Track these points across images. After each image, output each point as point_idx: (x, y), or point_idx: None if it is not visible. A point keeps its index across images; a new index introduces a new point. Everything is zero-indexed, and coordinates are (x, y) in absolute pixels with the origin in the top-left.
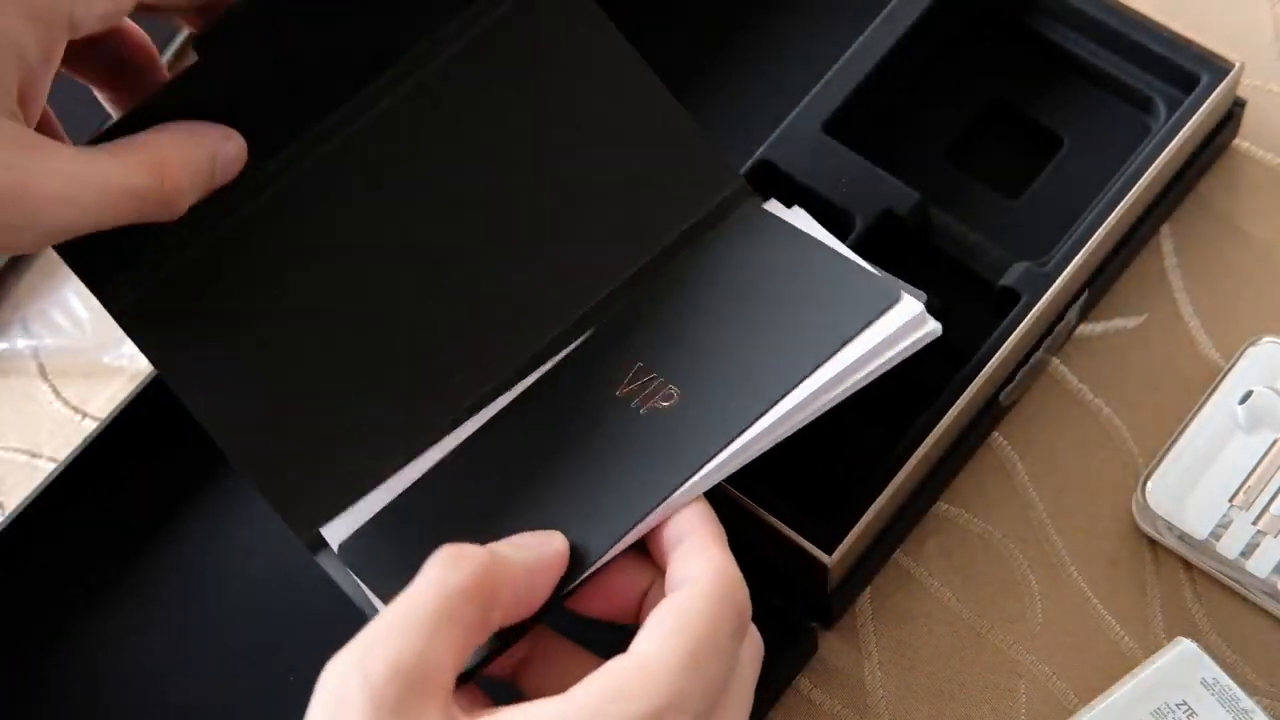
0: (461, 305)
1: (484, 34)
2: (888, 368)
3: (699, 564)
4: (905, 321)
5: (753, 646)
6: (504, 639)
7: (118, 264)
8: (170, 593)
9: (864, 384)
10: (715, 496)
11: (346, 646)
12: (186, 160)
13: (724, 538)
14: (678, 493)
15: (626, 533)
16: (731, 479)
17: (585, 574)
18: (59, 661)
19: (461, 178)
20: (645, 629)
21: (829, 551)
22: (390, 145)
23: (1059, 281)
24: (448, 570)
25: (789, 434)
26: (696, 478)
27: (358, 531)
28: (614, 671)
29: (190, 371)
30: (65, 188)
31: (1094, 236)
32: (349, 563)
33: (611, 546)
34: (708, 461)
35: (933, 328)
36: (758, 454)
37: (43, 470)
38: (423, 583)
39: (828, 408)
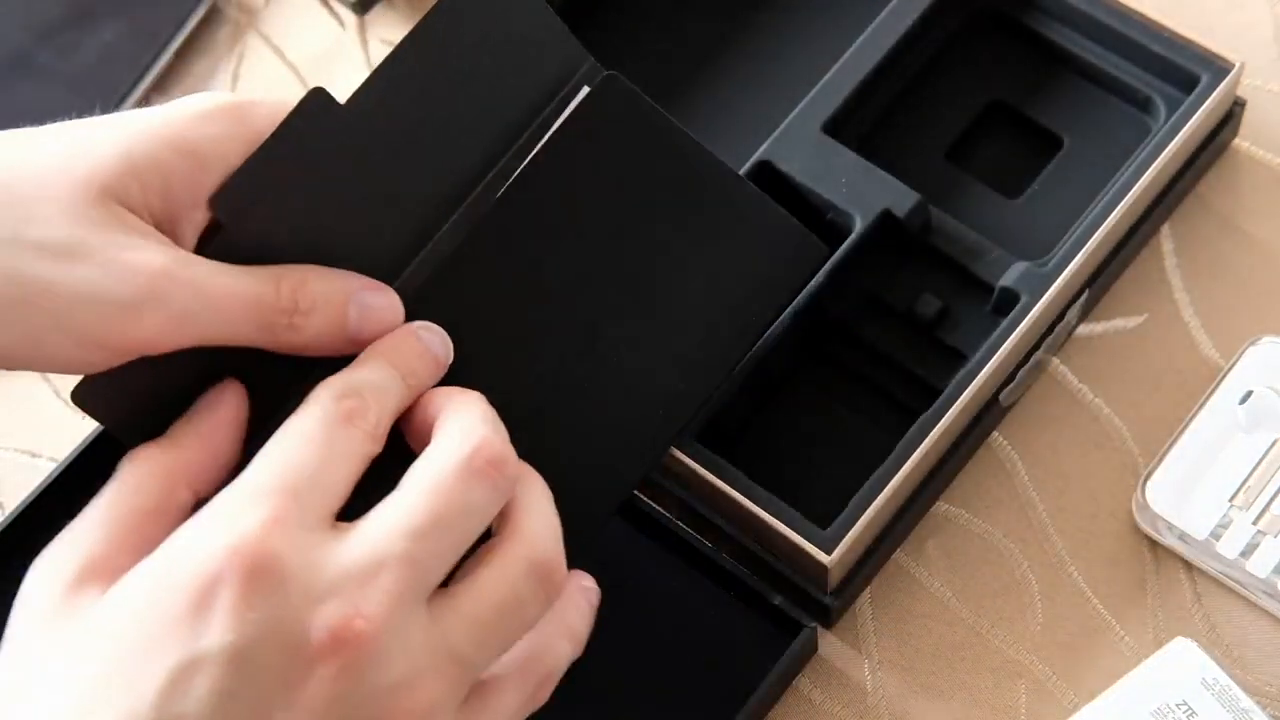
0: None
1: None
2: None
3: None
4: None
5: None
6: None
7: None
8: None
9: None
10: (713, 495)
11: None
12: (323, 289)
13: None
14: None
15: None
16: (731, 480)
17: None
18: None
19: (538, 312)
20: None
21: (829, 551)
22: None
23: (1059, 281)
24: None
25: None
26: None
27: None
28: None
29: None
30: (198, 299)
31: (1094, 236)
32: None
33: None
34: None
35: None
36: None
37: (43, 470)
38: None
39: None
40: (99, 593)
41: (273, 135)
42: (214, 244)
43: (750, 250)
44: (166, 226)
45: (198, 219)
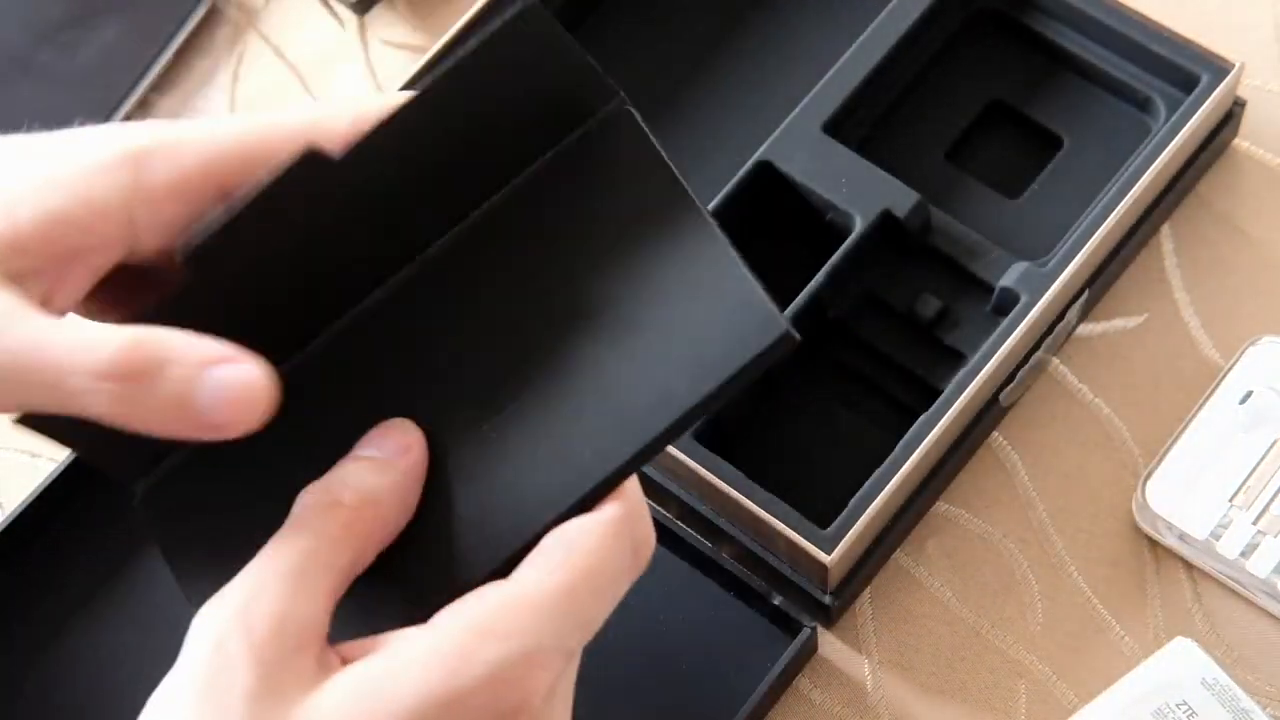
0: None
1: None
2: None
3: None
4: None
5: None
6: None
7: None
8: (171, 592)
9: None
10: (713, 495)
11: (220, 597)
12: (152, 350)
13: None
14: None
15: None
16: (731, 480)
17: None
18: (59, 660)
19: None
20: (531, 556)
21: (829, 551)
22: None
23: (1059, 281)
24: (321, 517)
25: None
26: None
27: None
28: (485, 603)
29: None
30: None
31: (1094, 236)
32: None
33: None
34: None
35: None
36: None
37: (43, 470)
38: (297, 529)
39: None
40: (314, 660)
41: (259, 193)
42: (175, 294)
43: (707, 314)
44: (53, 284)
45: (87, 273)
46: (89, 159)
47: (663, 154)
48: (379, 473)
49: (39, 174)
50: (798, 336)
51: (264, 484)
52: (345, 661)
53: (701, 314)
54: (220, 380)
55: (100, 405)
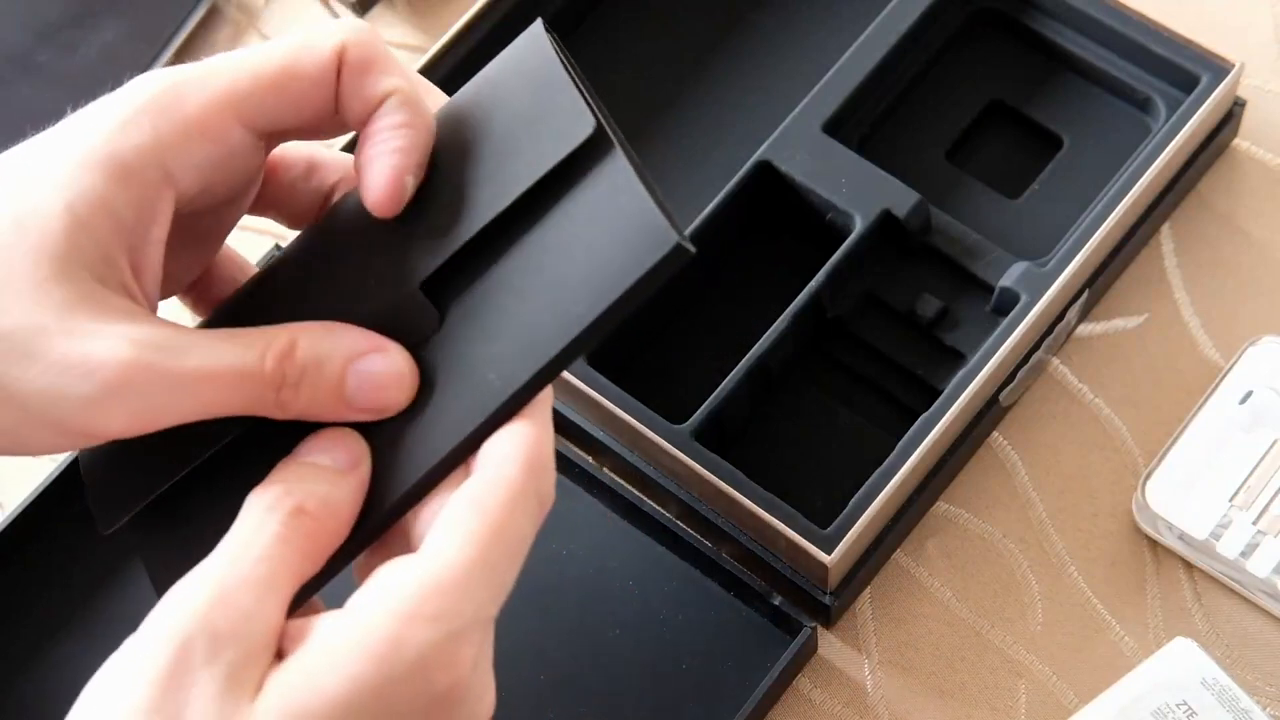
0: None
1: None
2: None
3: (506, 443)
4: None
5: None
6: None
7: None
8: None
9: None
10: (714, 495)
11: (183, 594)
12: (315, 354)
13: (543, 407)
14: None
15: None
16: (731, 480)
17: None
18: (60, 660)
19: None
20: (440, 522)
21: (829, 551)
22: None
23: (1059, 281)
24: (289, 524)
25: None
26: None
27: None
28: (407, 585)
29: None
30: (168, 388)
31: (1094, 236)
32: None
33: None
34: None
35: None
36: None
37: (43, 470)
38: (264, 533)
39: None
40: (266, 663)
41: (308, 232)
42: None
43: (606, 234)
44: (133, 256)
45: (156, 235)
46: (106, 128)
47: (566, 72)
48: (338, 483)
49: (70, 160)
50: (692, 249)
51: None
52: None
53: (601, 235)
54: (370, 369)
55: (252, 409)
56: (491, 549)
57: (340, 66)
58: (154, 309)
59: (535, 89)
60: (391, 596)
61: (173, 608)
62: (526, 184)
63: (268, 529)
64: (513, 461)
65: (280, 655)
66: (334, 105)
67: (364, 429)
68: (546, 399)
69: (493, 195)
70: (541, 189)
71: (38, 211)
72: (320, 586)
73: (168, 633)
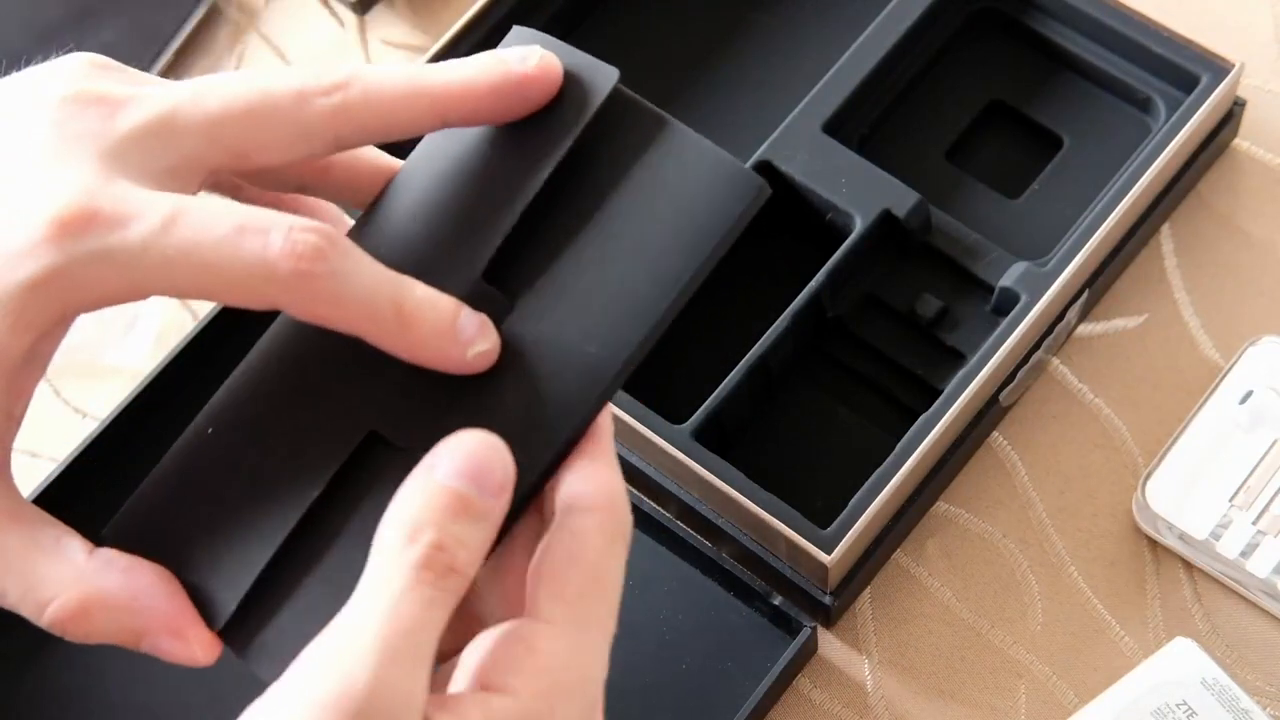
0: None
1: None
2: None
3: (588, 487)
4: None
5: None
6: None
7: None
8: None
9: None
10: (714, 495)
11: (307, 673)
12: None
13: (605, 442)
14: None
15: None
16: (731, 480)
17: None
18: (61, 659)
19: None
20: (545, 585)
21: (829, 551)
22: None
23: (1059, 281)
24: (438, 583)
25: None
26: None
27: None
28: (547, 660)
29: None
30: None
31: (1094, 236)
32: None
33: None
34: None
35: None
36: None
37: (43, 470)
38: (394, 598)
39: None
40: None
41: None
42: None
43: (684, 193)
44: (13, 387)
45: (40, 366)
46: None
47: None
48: (483, 520)
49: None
50: (769, 189)
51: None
52: None
53: (677, 191)
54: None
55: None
56: (605, 606)
57: None
58: (16, 425)
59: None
60: (538, 674)
61: (317, 700)
62: (568, 144)
63: (416, 594)
64: (600, 508)
65: None
66: None
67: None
68: (608, 432)
69: (535, 166)
70: (592, 158)
71: None
72: None
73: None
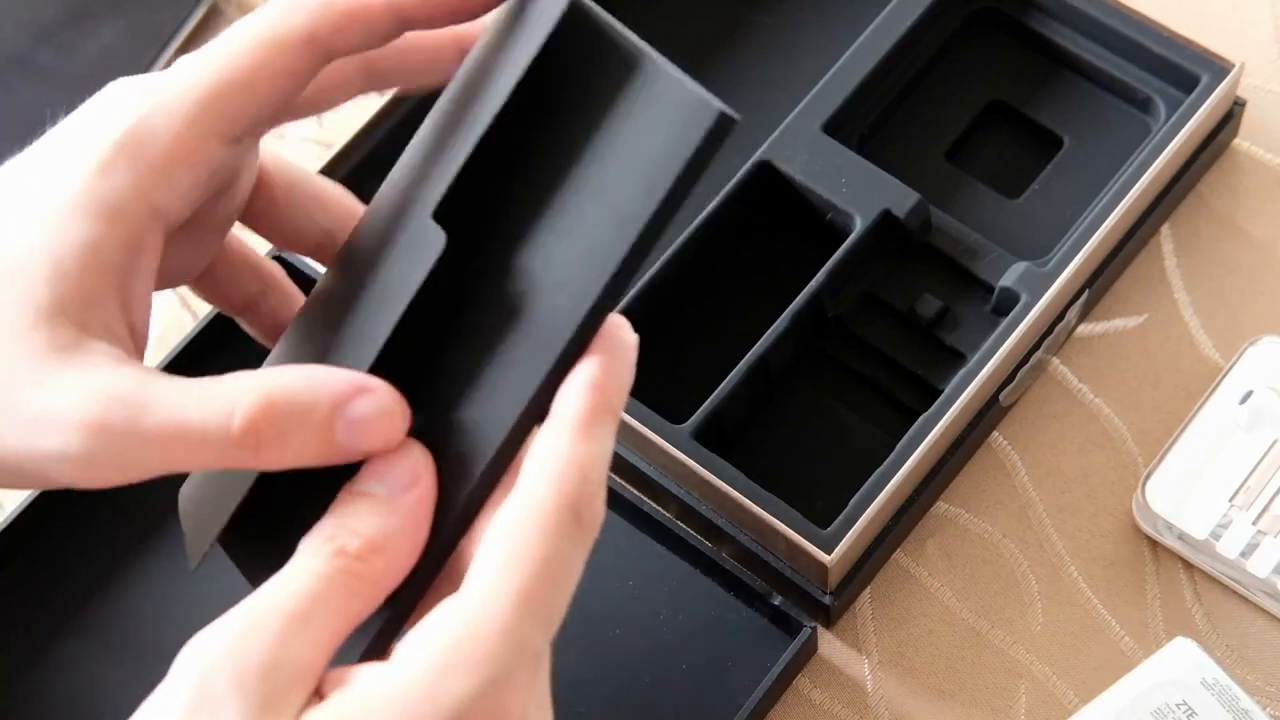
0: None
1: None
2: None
3: (538, 459)
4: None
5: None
6: (397, 607)
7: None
8: (173, 589)
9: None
10: (714, 495)
11: (211, 631)
12: (294, 409)
13: (570, 414)
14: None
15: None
16: (731, 480)
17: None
18: (60, 659)
19: None
20: (479, 558)
21: (829, 551)
22: None
23: (1059, 281)
24: (328, 565)
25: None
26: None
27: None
28: (444, 632)
29: None
30: (138, 447)
31: (1094, 236)
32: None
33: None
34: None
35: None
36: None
37: None
38: (302, 574)
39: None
40: (301, 700)
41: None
42: None
43: (646, 127)
44: (122, 293)
45: (146, 266)
46: (85, 172)
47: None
48: (386, 514)
49: (53, 207)
50: (736, 116)
51: None
52: (320, 695)
53: (639, 126)
54: (356, 415)
55: (240, 464)
56: (531, 582)
57: (314, 49)
58: (143, 339)
59: (505, 14)
60: (428, 645)
61: (201, 644)
62: (517, 76)
63: (309, 568)
64: (542, 481)
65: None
66: (307, 85)
67: (424, 415)
68: (582, 409)
69: (489, 105)
70: (553, 90)
71: (20, 261)
72: (403, 622)
73: (192, 668)
